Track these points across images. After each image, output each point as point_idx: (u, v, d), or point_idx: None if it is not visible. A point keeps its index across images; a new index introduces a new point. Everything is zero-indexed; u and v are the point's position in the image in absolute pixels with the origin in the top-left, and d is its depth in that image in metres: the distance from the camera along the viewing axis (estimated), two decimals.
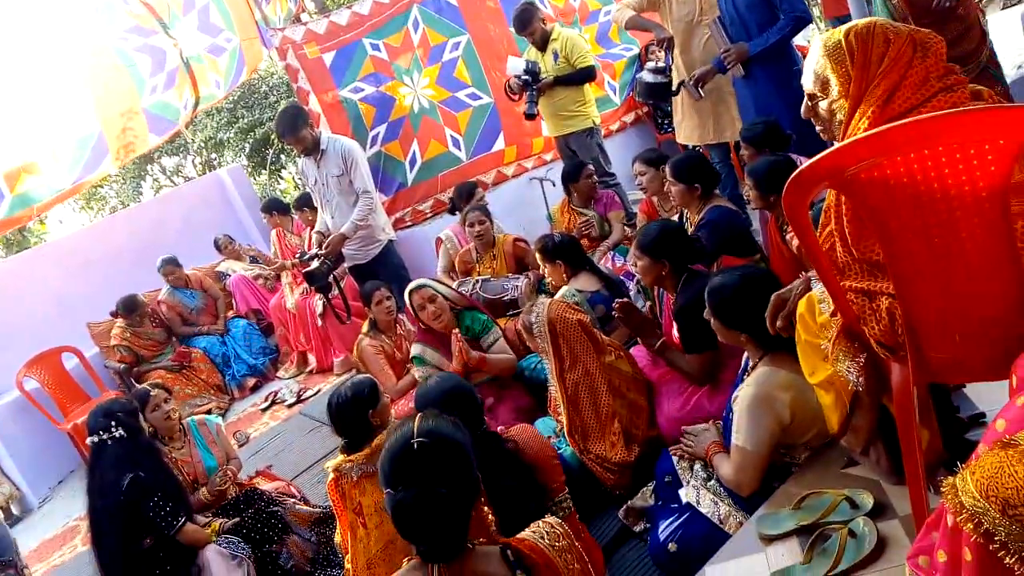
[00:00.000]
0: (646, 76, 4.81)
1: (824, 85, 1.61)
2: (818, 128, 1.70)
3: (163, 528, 2.92)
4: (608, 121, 6.93)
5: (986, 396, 2.19)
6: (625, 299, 3.16)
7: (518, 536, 1.43)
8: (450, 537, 1.33)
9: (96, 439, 2.98)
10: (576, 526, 2.32)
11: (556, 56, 5.21)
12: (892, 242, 1.44)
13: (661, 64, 4.77)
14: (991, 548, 1.14)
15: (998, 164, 1.28)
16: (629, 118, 7.17)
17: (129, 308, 6.18)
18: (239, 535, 3.16)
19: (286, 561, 3.18)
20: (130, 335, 6.22)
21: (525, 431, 2.53)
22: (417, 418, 1.43)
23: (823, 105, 1.63)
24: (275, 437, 5.07)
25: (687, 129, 4.87)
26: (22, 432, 5.95)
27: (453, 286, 4.06)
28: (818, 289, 1.91)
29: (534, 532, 1.43)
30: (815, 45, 1.63)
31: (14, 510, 5.93)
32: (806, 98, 1.68)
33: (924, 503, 1.67)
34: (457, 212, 5.28)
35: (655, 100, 5.45)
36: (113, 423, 2.97)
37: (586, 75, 5.22)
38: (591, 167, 4.88)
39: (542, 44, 5.26)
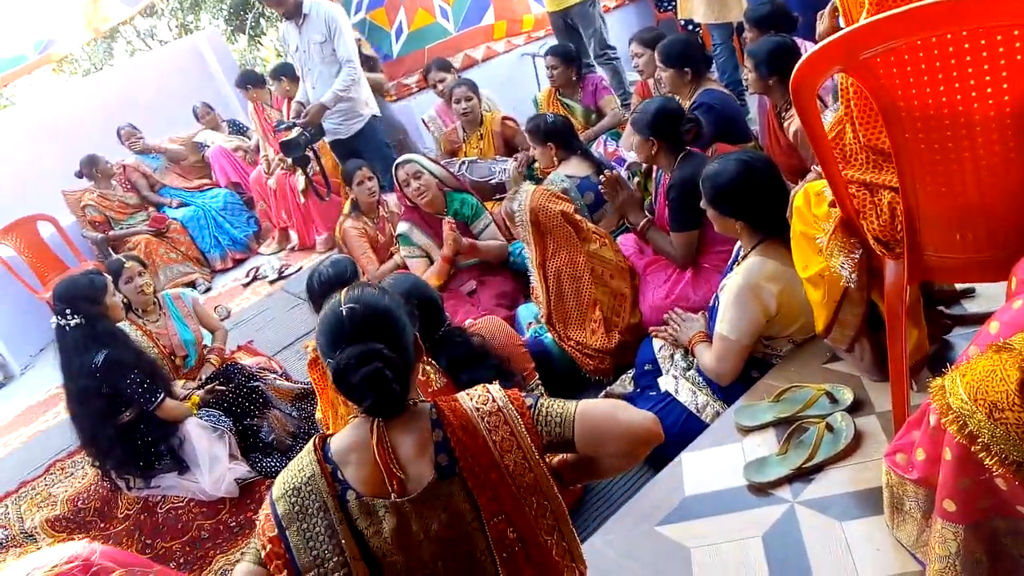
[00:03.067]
0: None
1: None
2: None
3: (142, 404, 2.93)
4: None
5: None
6: (613, 172, 3.08)
7: (452, 396, 1.44)
8: (392, 392, 1.34)
9: (55, 323, 2.94)
10: None
11: None
12: (902, 133, 1.36)
13: None
14: (973, 449, 1.13)
15: None
16: None
17: (88, 165, 6.04)
18: (220, 408, 3.19)
19: (267, 435, 3.22)
20: (97, 196, 6.08)
21: (490, 323, 2.51)
22: (343, 290, 1.45)
23: None
24: (258, 314, 5.05)
25: (692, 5, 4.65)
26: (1, 300, 5.90)
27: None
28: (819, 182, 1.84)
29: (468, 394, 1.43)
30: None
31: None
32: None
33: (906, 401, 1.68)
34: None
35: None
36: (68, 310, 2.91)
37: None
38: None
39: None
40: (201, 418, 3.10)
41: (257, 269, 5.86)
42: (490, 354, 2.27)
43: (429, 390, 2.19)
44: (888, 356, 1.70)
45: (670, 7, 6.41)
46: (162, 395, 2.97)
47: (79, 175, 6.11)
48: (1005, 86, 1.22)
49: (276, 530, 1.32)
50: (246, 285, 5.71)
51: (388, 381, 1.31)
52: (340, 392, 1.37)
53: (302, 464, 1.37)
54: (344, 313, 1.37)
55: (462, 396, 1.42)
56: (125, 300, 3.44)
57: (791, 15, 3.44)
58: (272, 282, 5.54)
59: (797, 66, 1.37)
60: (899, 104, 1.30)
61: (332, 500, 1.32)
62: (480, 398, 1.40)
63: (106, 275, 3.19)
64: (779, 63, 2.89)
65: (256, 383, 3.34)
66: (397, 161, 3.62)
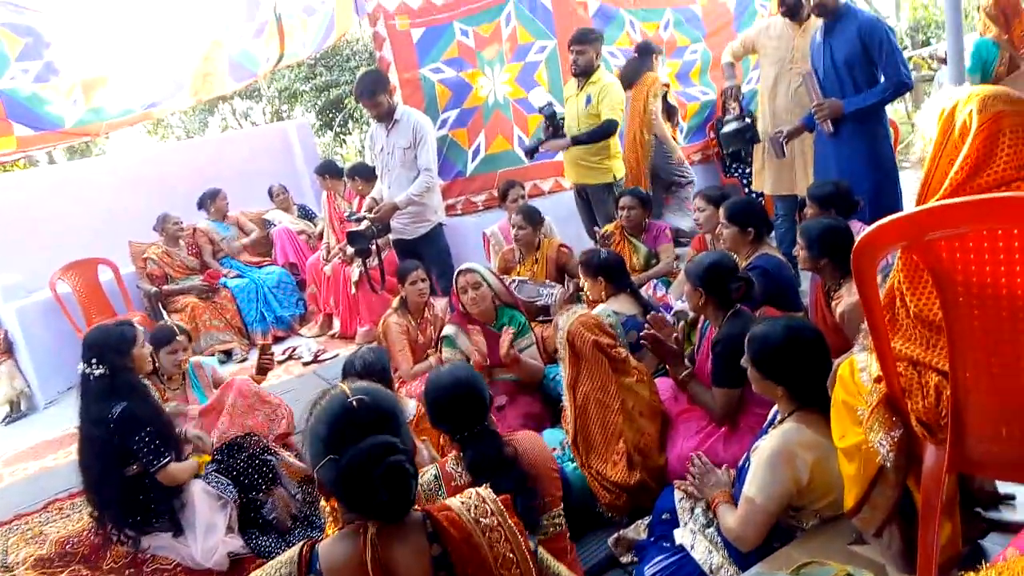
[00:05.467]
0: (730, 127, 4.74)
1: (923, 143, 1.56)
2: None
3: (146, 464, 2.92)
4: None
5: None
6: (652, 332, 3.11)
7: (443, 503, 1.37)
8: (410, 490, 1.28)
9: (80, 370, 3.00)
10: (565, 544, 2.28)
11: (588, 101, 4.90)
12: (958, 315, 1.37)
13: (738, 113, 4.71)
14: None
15: None
16: (697, 156, 7.11)
17: (160, 221, 6.37)
18: (229, 477, 3.17)
19: (269, 512, 3.17)
20: (161, 252, 6.37)
21: (529, 438, 2.49)
22: (344, 383, 1.41)
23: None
24: (285, 392, 5.06)
25: (764, 178, 4.81)
26: (45, 333, 6.06)
27: None
28: (860, 357, 1.85)
29: (462, 502, 1.36)
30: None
31: (22, 406, 6.04)
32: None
33: None
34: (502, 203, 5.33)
35: (741, 147, 5.20)
36: (95, 360, 2.96)
37: (606, 131, 4.85)
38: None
39: (582, 77, 4.96)
40: (209, 483, 3.09)
41: (294, 349, 5.95)
42: (518, 466, 2.24)
43: (452, 484, 2.15)
44: (918, 548, 1.64)
45: (736, 172, 6.64)
46: (168, 458, 2.95)
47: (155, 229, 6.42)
48: None
49: None
50: (280, 362, 5.78)
51: (409, 477, 1.27)
52: (342, 494, 1.29)
53: (281, 574, 1.30)
54: (355, 404, 1.32)
55: (454, 503, 1.37)
56: (157, 365, 3.54)
57: (853, 198, 3.53)
58: (306, 364, 5.62)
59: (862, 236, 1.41)
60: (958, 288, 1.33)
61: None
62: (477, 508, 1.35)
63: (137, 327, 3.25)
64: (831, 244, 2.95)
65: (268, 457, 3.32)
66: (460, 268, 3.76)
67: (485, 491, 1.40)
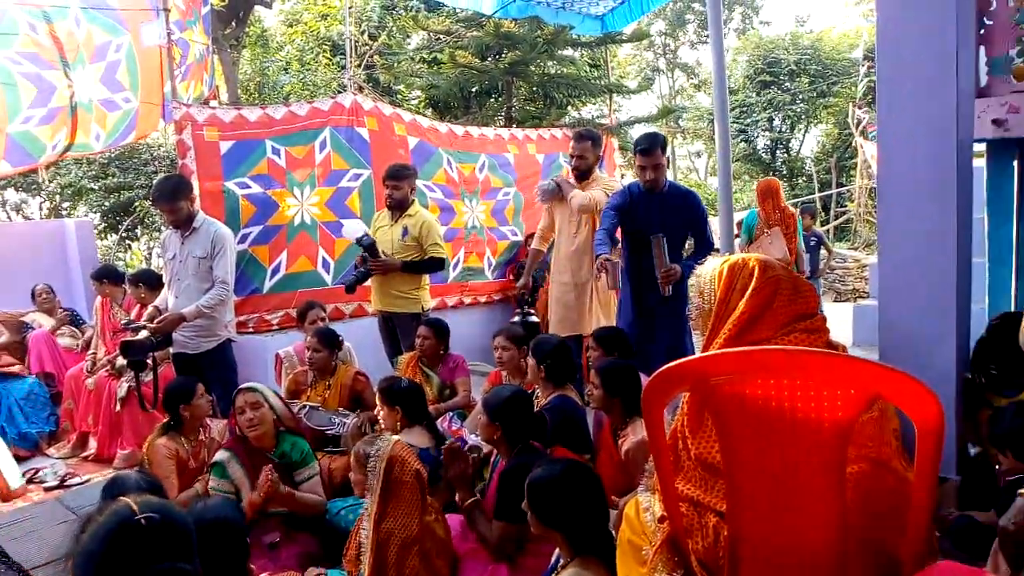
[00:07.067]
0: (514, 319, 5.32)
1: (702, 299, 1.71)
2: None
3: None
4: (478, 291, 7.12)
5: None
6: (456, 443, 3.08)
7: None
8: None
9: None
10: None
11: (405, 232, 4.98)
12: (736, 461, 1.46)
13: (522, 311, 5.31)
14: None
15: (845, 411, 1.35)
16: (498, 296, 7.39)
17: None
18: None
19: None
20: None
21: None
22: (128, 497, 1.20)
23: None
24: (18, 521, 4.35)
25: (552, 321, 5.07)
26: None
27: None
28: (644, 497, 1.91)
29: None
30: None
31: None
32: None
33: None
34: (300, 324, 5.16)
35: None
36: None
37: (437, 266, 5.05)
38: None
39: (397, 210, 5.04)
40: None
41: (36, 471, 5.16)
42: None
43: None
44: None
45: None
46: None
47: None
48: (826, 435, 1.37)
49: None
50: None
51: None
52: None
53: None
54: (143, 522, 1.13)
55: None
56: None
57: (631, 345, 3.79)
58: (48, 489, 4.88)
59: (651, 378, 1.49)
60: (736, 430, 1.42)
61: None
62: None
63: None
64: (624, 384, 3.12)
65: None
66: (241, 386, 3.51)
67: None
